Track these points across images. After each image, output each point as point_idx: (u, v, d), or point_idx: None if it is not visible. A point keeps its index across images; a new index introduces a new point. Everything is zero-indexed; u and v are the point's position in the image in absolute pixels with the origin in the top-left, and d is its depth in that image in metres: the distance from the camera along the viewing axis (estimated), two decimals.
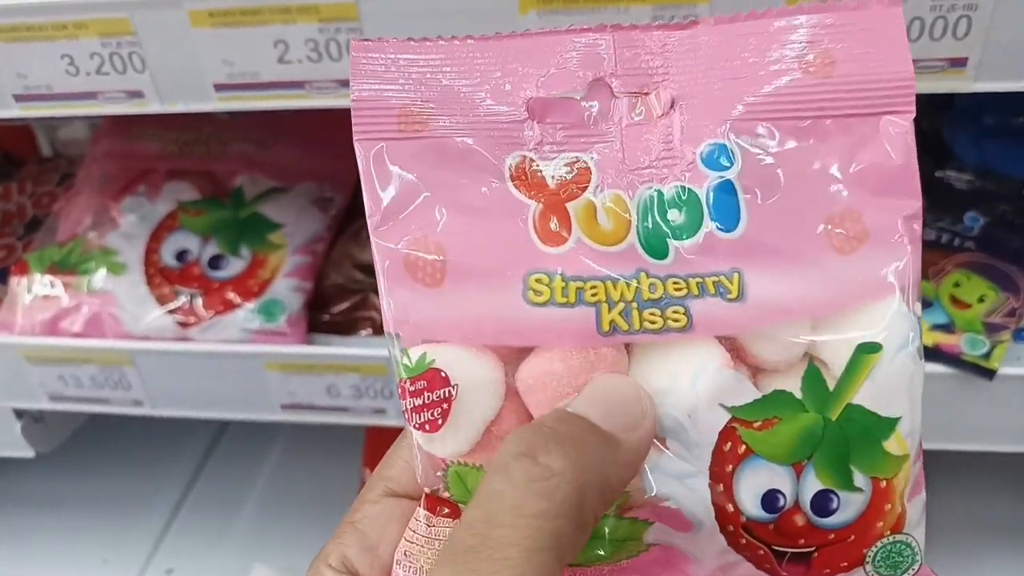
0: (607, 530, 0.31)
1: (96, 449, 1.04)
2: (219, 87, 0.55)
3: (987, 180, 0.75)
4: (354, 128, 0.33)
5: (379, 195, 0.33)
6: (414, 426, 0.32)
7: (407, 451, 0.34)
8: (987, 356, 0.61)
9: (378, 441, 0.94)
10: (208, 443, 1.07)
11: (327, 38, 0.52)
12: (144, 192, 0.80)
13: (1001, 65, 0.49)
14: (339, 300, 0.77)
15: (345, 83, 0.54)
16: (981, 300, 0.66)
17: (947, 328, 0.64)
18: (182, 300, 0.73)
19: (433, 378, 0.31)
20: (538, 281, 0.31)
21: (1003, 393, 0.61)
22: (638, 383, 0.31)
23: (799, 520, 0.31)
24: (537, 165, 0.33)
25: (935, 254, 0.70)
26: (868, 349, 0.31)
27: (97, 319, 0.73)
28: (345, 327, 0.76)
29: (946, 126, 0.79)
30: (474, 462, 0.31)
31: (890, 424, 0.31)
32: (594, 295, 0.31)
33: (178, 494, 1.01)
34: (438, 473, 0.32)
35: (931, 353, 0.62)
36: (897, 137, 0.32)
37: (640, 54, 0.33)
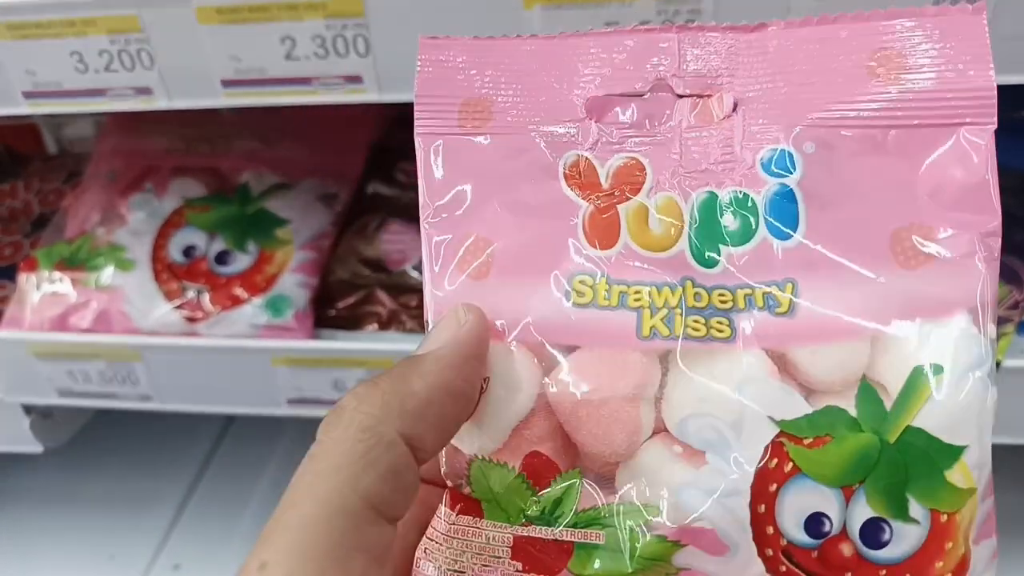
0: (634, 546, 0.30)
1: (103, 445, 1.05)
2: (226, 83, 0.56)
3: None
4: (416, 121, 0.33)
5: (434, 188, 0.33)
6: None
7: None
8: None
9: None
10: (214, 438, 1.07)
11: (334, 34, 0.53)
12: (151, 189, 0.81)
13: (1001, 59, 0.49)
14: (345, 295, 0.77)
15: (351, 79, 0.55)
16: None
17: None
18: (190, 296, 0.74)
19: None
20: (581, 282, 0.31)
21: (1007, 386, 0.61)
22: (469, 303, 0.31)
23: (846, 550, 0.29)
24: (592, 165, 0.32)
25: None
26: (927, 371, 0.29)
27: (105, 315, 0.74)
28: (351, 322, 0.76)
29: None
30: (500, 460, 0.31)
31: (955, 452, 0.29)
32: (637, 300, 0.31)
33: (185, 489, 1.01)
34: (462, 466, 0.31)
35: None
36: (976, 149, 0.30)
37: (705, 55, 0.32)
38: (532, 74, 0.33)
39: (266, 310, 0.73)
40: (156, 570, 0.92)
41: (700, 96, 0.32)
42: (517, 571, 0.30)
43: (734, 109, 0.32)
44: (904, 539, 0.29)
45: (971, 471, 0.29)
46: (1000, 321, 0.64)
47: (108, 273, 0.75)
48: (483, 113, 0.33)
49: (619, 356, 0.30)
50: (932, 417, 0.29)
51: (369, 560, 0.26)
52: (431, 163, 0.33)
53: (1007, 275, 0.67)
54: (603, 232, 0.32)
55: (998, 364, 0.60)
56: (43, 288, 0.76)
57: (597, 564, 0.30)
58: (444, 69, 0.33)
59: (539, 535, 0.30)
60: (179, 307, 0.73)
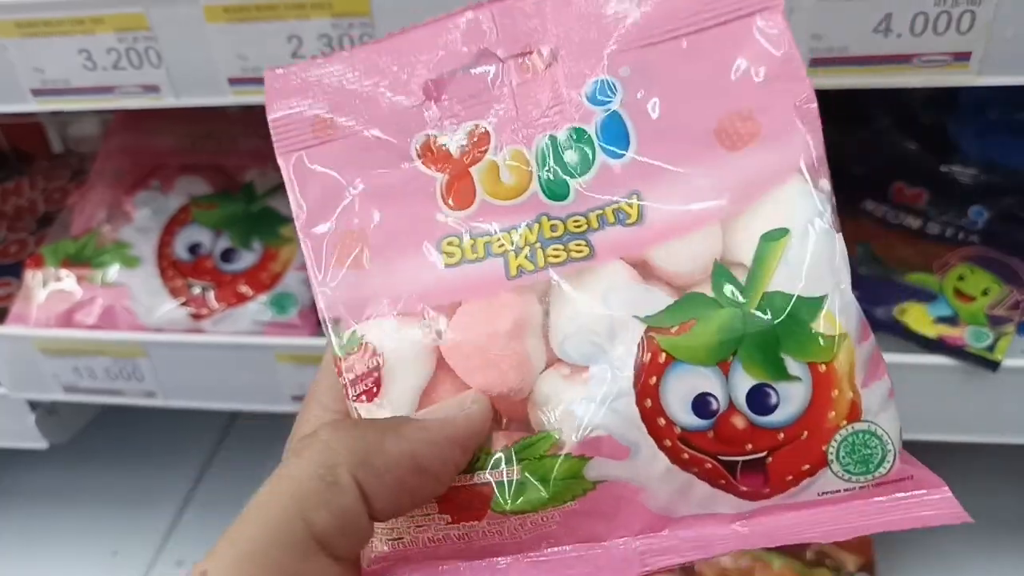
0: (547, 470, 0.31)
1: (108, 441, 1.05)
2: (233, 81, 0.56)
3: (992, 174, 0.76)
4: (275, 146, 0.35)
5: (302, 195, 0.35)
6: (352, 399, 0.33)
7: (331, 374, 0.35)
8: (991, 348, 0.62)
9: None
10: (218, 435, 1.08)
11: (340, 33, 0.53)
12: (157, 186, 0.81)
13: (1005, 59, 0.49)
14: None
15: None
16: (985, 293, 0.66)
17: (951, 320, 0.64)
18: (195, 293, 0.74)
19: (363, 352, 0.33)
20: (449, 244, 0.34)
21: (1007, 385, 0.62)
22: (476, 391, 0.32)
23: (739, 422, 0.31)
24: (441, 140, 0.35)
25: (940, 247, 0.70)
26: (772, 236, 0.32)
27: (111, 311, 0.74)
28: None
29: (951, 120, 0.79)
30: None
31: (815, 304, 0.31)
32: (500, 246, 0.33)
33: (188, 486, 1.01)
34: None
35: (935, 345, 0.63)
36: (772, 32, 0.33)
37: (518, 19, 0.35)
38: (373, 72, 0.35)
39: (270, 307, 0.73)
40: (159, 567, 0.92)
41: (522, 55, 0.35)
42: (447, 523, 0.32)
43: (554, 58, 0.35)
44: (791, 399, 0.31)
45: (836, 318, 0.31)
46: (1000, 321, 0.64)
47: (114, 270, 0.76)
48: (332, 122, 0.35)
49: (494, 300, 0.33)
50: (786, 278, 0.31)
51: None
52: (295, 176, 0.35)
53: (1008, 275, 0.67)
54: (460, 195, 0.34)
55: (997, 363, 0.61)
56: (49, 285, 0.76)
57: (519, 499, 0.32)
58: (290, 94, 0.36)
59: (460, 483, 0.32)
60: (184, 304, 0.74)
